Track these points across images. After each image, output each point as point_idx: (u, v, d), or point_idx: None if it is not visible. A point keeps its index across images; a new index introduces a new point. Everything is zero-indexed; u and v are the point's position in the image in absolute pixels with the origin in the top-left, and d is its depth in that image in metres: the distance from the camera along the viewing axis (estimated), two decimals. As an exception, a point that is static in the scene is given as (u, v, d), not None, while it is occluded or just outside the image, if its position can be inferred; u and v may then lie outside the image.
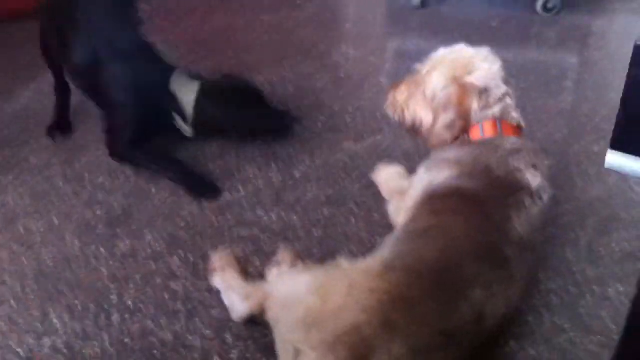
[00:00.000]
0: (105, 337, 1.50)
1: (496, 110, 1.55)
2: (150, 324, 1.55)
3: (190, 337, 1.51)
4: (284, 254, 1.68)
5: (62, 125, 2.46)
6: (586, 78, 2.72)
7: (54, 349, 1.50)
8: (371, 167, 2.02)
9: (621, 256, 1.70)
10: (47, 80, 2.56)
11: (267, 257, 1.73)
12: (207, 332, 1.52)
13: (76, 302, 1.62)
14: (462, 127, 1.55)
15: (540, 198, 1.43)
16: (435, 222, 1.36)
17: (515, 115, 1.58)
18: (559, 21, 3.27)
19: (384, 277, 1.23)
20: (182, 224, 1.89)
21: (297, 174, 2.10)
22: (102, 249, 1.80)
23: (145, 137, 2.20)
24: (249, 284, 1.55)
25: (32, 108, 2.62)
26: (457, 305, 1.22)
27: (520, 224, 1.35)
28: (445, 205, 1.39)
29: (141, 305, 1.60)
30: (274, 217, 1.91)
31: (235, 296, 1.52)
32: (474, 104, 1.54)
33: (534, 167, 1.46)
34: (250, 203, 1.97)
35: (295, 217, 1.90)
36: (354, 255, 1.71)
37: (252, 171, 2.13)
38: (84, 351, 1.49)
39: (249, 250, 1.77)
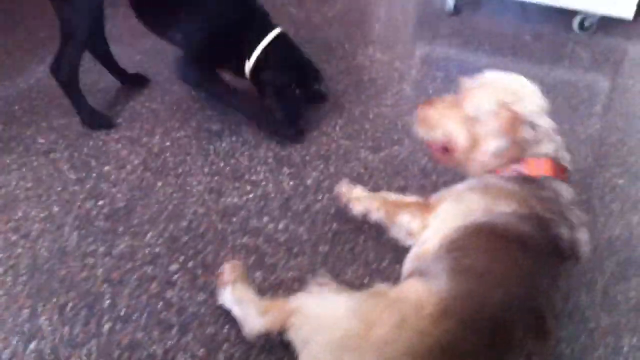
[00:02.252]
0: (94, 346, 1.44)
1: (550, 148, 1.46)
2: (141, 335, 1.48)
3: (181, 355, 1.44)
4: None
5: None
6: (617, 105, 2.63)
7: (40, 354, 1.44)
8: (385, 180, 1.96)
9: (638, 304, 1.62)
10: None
11: (269, 270, 1.67)
12: (200, 351, 1.45)
13: (68, 303, 1.55)
14: (512, 157, 1.46)
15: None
16: (495, 266, 1.27)
17: (566, 156, 1.50)
18: (594, 42, 3.18)
19: (439, 323, 1.16)
20: (184, 224, 1.83)
21: (309, 181, 2.03)
22: (100, 246, 1.74)
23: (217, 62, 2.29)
24: (265, 299, 1.46)
25: (44, 85, 2.53)
26: None
27: (562, 295, 1.31)
28: (507, 251, 1.30)
29: (134, 314, 1.54)
30: (280, 226, 1.84)
31: (251, 310, 1.42)
32: (528, 135, 1.44)
33: (584, 227, 1.40)
34: (257, 208, 1.91)
35: (302, 229, 1.83)
36: (359, 277, 1.66)
37: (264, 174, 2.06)
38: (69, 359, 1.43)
39: (250, 261, 1.70)
